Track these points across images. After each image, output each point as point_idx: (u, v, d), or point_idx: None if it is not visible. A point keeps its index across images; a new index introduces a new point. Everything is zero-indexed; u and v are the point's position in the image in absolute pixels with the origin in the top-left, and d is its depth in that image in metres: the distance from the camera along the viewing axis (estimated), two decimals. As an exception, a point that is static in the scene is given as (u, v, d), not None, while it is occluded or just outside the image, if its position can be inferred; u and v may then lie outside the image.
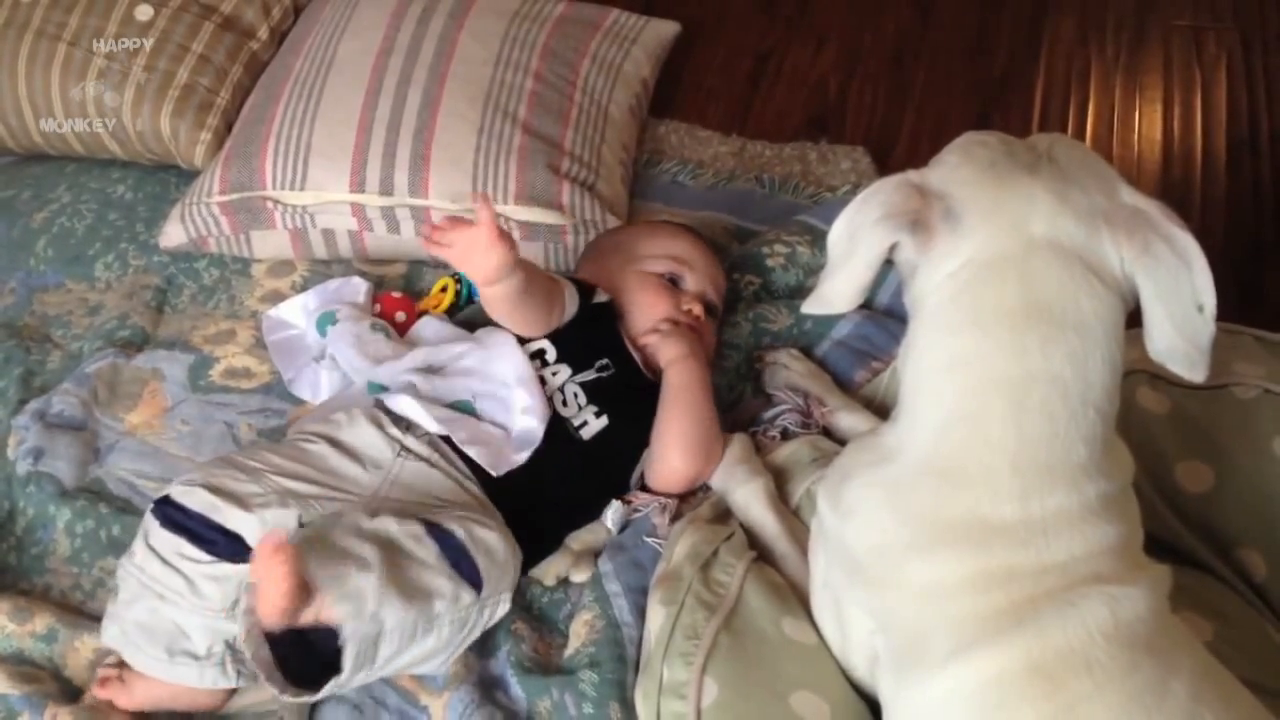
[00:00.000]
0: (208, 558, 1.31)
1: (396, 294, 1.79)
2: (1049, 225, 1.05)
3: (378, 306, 1.76)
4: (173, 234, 1.94)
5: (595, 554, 1.47)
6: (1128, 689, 1.01)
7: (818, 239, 1.81)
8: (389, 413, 1.46)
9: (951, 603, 1.06)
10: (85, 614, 1.49)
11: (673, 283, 1.63)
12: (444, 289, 1.80)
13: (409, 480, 1.40)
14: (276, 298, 1.87)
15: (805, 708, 1.19)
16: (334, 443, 1.42)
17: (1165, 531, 1.32)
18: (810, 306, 1.16)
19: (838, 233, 1.13)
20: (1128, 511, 1.11)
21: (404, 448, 1.42)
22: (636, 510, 1.48)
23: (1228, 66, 2.24)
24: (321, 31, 2.04)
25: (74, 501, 1.58)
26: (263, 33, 2.16)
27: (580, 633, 1.37)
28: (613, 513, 1.49)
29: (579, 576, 1.44)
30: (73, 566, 1.54)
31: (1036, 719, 1.02)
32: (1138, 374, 1.40)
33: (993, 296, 1.06)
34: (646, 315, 1.59)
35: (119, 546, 1.54)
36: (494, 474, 1.42)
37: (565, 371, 1.51)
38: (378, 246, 1.91)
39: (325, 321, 1.69)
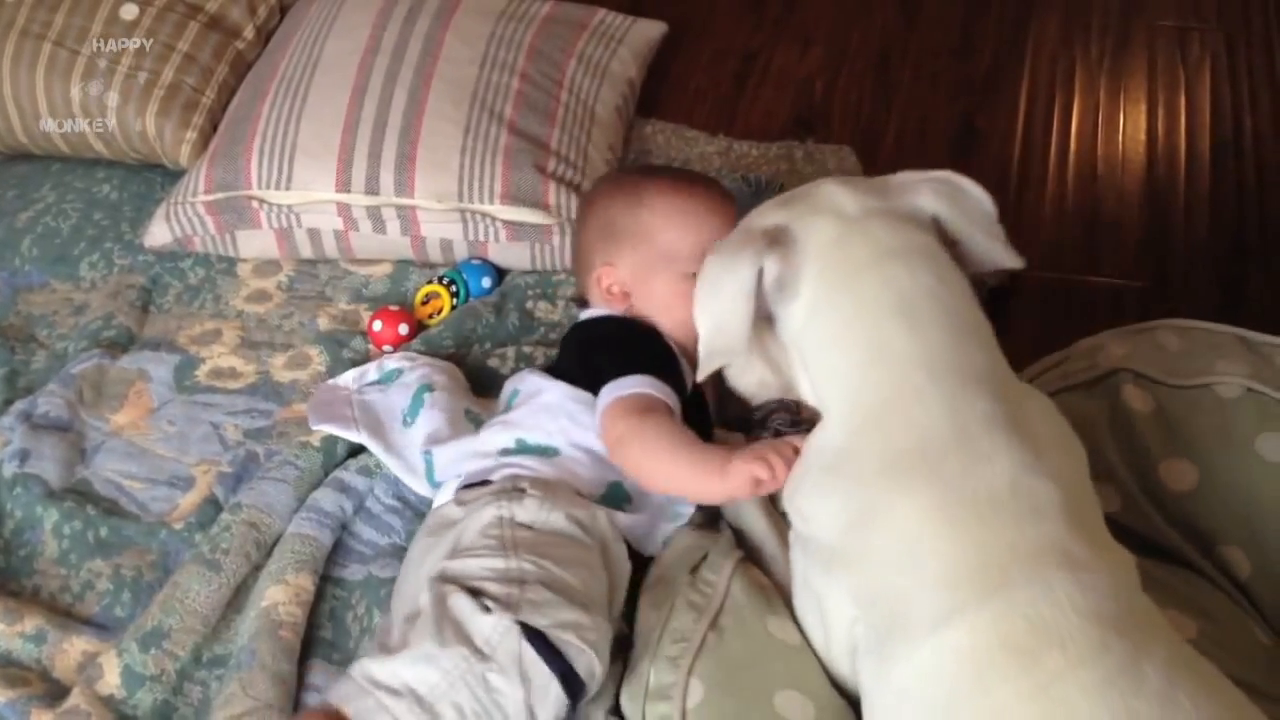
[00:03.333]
0: None
1: (394, 307, 1.78)
2: (859, 206, 1.25)
3: (379, 323, 1.75)
4: (158, 233, 1.94)
5: None
6: (1102, 669, 1.02)
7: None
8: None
9: (924, 563, 1.09)
10: (74, 616, 1.49)
11: None
12: (430, 296, 1.80)
13: None
14: (262, 297, 1.88)
15: (789, 708, 1.19)
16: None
17: (1149, 529, 1.33)
18: (704, 368, 1.28)
19: (703, 290, 1.27)
20: (1069, 459, 1.17)
21: None
22: None
23: (1211, 67, 2.25)
24: (307, 31, 2.03)
25: (61, 503, 1.58)
26: (248, 32, 2.16)
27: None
28: None
29: None
30: (61, 568, 1.54)
31: (1014, 695, 1.03)
32: (1123, 373, 1.41)
33: (850, 259, 1.21)
34: (688, 331, 1.40)
35: (107, 547, 1.54)
36: (645, 553, 1.39)
37: None
38: (363, 246, 1.90)
39: (423, 390, 1.57)
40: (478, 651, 1.19)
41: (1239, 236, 1.96)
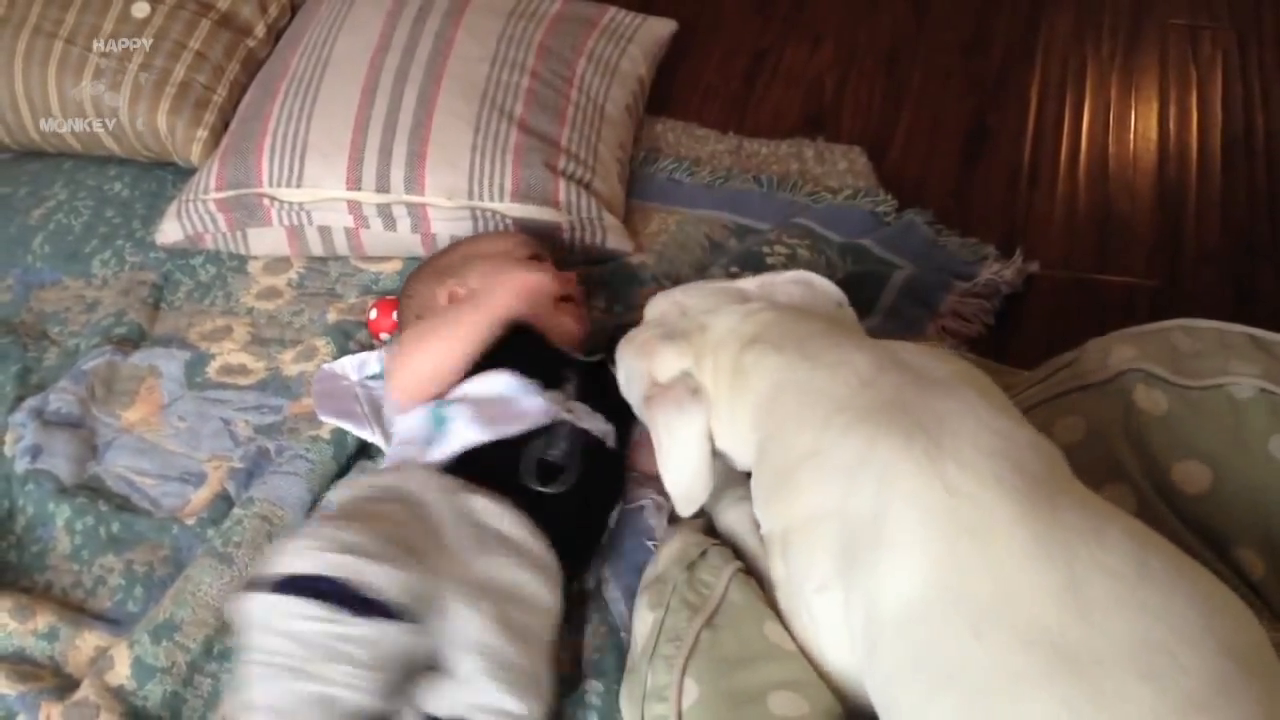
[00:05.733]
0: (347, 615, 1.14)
1: (391, 296, 1.80)
2: (735, 326, 1.36)
3: (374, 312, 1.76)
4: (169, 231, 1.94)
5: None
6: (1063, 526, 1.04)
7: (818, 242, 1.82)
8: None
9: (854, 462, 1.15)
10: (86, 611, 1.49)
11: (538, 258, 1.67)
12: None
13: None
14: (272, 294, 1.88)
15: (783, 707, 1.19)
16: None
17: (1165, 531, 1.31)
18: (687, 509, 1.35)
19: (666, 447, 1.33)
20: (971, 373, 1.25)
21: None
22: (628, 502, 1.48)
23: (1223, 65, 2.24)
24: (318, 29, 2.04)
25: (73, 499, 1.58)
26: (259, 30, 2.16)
27: (586, 642, 1.36)
28: None
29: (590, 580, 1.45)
30: (73, 564, 1.54)
31: (973, 548, 1.06)
32: (1134, 373, 1.40)
33: (733, 363, 1.33)
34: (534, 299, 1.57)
35: (119, 543, 1.54)
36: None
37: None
38: (374, 244, 1.91)
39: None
40: None
41: (1250, 235, 1.95)
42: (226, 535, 1.49)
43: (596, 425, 1.46)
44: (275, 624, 1.13)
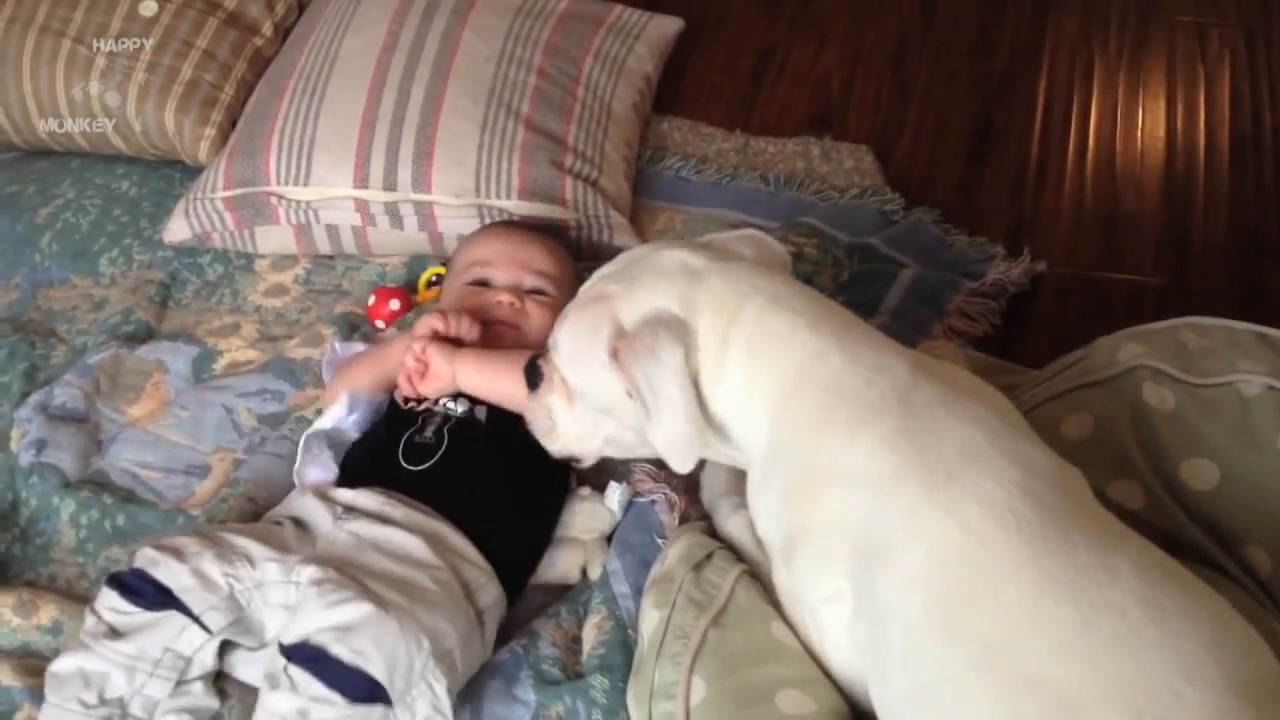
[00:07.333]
0: (132, 608, 1.32)
1: (391, 285, 1.81)
2: (701, 263, 1.27)
3: (373, 298, 1.78)
4: (177, 229, 1.95)
5: (608, 538, 1.47)
6: (1074, 564, 1.03)
7: (825, 241, 1.82)
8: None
9: (879, 488, 1.12)
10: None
11: (485, 284, 1.64)
12: (435, 280, 1.81)
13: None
14: (280, 291, 1.89)
15: (791, 705, 1.19)
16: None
17: (1173, 527, 1.32)
18: (686, 464, 1.25)
19: (648, 397, 1.22)
20: (990, 397, 1.21)
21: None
22: (639, 495, 1.48)
23: (1231, 63, 2.24)
24: (325, 28, 2.04)
25: (77, 493, 1.58)
26: (267, 29, 2.16)
27: (590, 636, 1.36)
28: (616, 494, 1.49)
29: (595, 570, 1.45)
30: (78, 557, 1.55)
31: (985, 588, 1.05)
32: (1142, 369, 1.40)
33: (724, 308, 1.24)
34: None
35: (124, 536, 1.55)
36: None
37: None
38: (381, 241, 1.91)
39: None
40: None
41: (1258, 233, 1.95)
42: (211, 514, 1.51)
43: (464, 408, 1.51)
44: (95, 608, 1.33)
